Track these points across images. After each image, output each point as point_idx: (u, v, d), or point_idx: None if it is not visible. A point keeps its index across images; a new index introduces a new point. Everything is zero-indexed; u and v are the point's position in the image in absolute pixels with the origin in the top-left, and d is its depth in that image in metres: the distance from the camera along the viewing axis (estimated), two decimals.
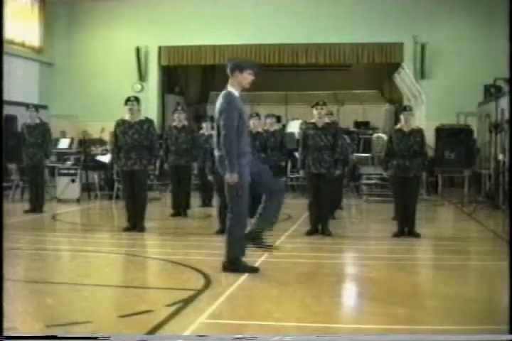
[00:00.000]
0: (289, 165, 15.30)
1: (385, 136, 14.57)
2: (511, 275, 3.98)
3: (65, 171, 13.58)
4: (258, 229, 6.26)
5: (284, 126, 17.86)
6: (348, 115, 20.45)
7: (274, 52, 18.80)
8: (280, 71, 21.56)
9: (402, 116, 8.85)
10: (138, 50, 18.98)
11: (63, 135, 17.67)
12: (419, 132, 8.80)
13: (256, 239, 6.25)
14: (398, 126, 8.98)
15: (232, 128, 6.06)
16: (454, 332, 4.27)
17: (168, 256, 7.22)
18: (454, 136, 15.52)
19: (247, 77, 6.23)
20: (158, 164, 13.37)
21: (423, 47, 17.84)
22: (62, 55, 19.28)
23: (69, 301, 5.15)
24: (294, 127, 17.19)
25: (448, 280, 6.09)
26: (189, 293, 5.25)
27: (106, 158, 14.44)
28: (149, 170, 9.90)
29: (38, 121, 11.43)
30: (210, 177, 9.16)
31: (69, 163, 13.95)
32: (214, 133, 6.43)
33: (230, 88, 6.25)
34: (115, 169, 12.35)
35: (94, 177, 14.49)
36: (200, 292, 5.35)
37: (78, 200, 13.35)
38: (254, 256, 6.98)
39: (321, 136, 8.76)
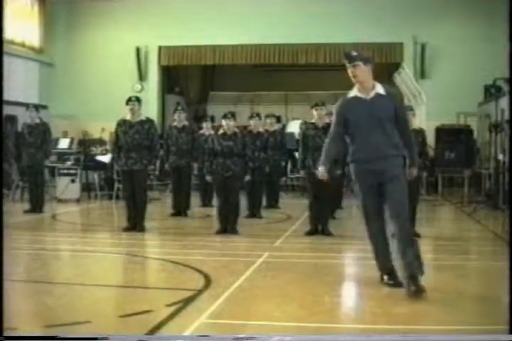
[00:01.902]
0: (289, 165, 15.30)
1: None
2: (511, 275, 3.99)
3: (65, 171, 13.58)
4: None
5: (284, 126, 17.85)
6: None
7: (274, 52, 18.77)
8: (280, 71, 21.56)
9: None
10: (138, 50, 18.95)
11: (63, 135, 17.65)
12: (420, 132, 8.78)
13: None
14: None
15: (331, 132, 5.98)
16: (454, 332, 4.26)
17: (168, 256, 7.22)
18: (454, 136, 15.53)
19: (349, 73, 5.76)
20: (158, 164, 13.37)
21: (423, 47, 17.82)
22: (62, 55, 19.24)
23: (69, 301, 5.14)
24: (294, 127, 17.17)
25: (448, 280, 6.09)
26: (189, 293, 5.25)
27: (106, 158, 14.44)
28: (149, 170, 9.90)
29: (38, 121, 11.43)
30: (207, 178, 9.15)
31: (69, 163, 13.94)
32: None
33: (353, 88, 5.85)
34: (115, 169, 12.34)
35: (94, 177, 14.50)
36: (200, 292, 5.35)
37: (78, 200, 13.36)
38: (254, 257, 6.99)
39: (321, 136, 8.72)
